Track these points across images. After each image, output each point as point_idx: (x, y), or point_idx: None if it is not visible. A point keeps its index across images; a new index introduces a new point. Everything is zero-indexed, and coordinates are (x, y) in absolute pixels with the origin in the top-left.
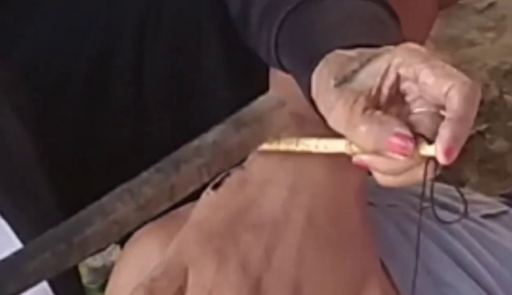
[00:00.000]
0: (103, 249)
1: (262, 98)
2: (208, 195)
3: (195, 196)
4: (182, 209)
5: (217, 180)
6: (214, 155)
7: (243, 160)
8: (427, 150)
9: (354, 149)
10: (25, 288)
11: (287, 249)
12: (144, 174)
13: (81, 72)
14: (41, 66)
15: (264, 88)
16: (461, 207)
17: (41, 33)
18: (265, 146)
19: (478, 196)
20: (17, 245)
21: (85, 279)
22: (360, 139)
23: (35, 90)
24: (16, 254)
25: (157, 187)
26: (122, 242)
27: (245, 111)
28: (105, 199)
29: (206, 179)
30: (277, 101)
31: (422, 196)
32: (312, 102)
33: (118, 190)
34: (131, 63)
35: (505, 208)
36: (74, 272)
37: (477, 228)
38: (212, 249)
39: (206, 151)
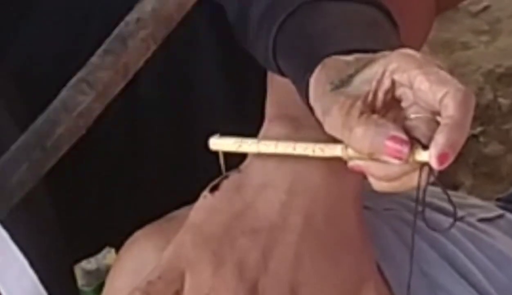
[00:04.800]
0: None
1: None
2: (205, 198)
3: (192, 200)
4: (178, 212)
5: (215, 182)
6: (156, 23)
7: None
8: (422, 156)
9: (350, 153)
10: (12, 202)
11: (284, 252)
12: (94, 60)
13: (75, 73)
14: (35, 67)
15: (262, 93)
16: (456, 211)
17: (35, 34)
18: (262, 149)
19: (474, 200)
20: (12, 247)
21: (79, 282)
22: (355, 142)
23: (29, 91)
24: None
25: (111, 69)
26: (117, 246)
27: None
28: (64, 95)
29: (153, 49)
30: None
31: (416, 201)
32: (310, 107)
33: (73, 82)
34: None
35: (501, 211)
36: (70, 275)
37: (473, 231)
38: (209, 252)
39: (148, 21)
